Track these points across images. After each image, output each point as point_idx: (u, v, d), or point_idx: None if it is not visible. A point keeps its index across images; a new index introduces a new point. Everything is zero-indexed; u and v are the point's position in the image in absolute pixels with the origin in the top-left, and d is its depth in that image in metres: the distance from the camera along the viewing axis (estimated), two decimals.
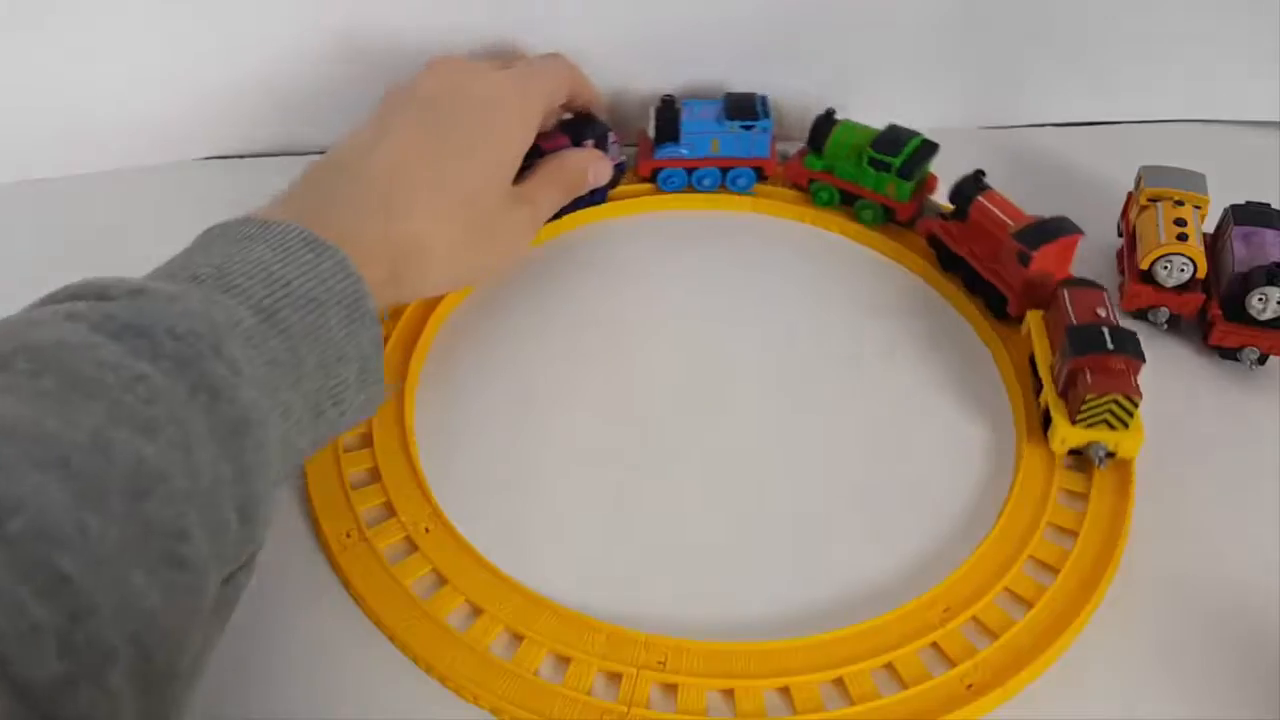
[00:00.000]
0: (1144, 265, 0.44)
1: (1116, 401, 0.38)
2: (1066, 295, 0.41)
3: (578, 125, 0.46)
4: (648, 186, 0.51)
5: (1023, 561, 0.36)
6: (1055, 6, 0.53)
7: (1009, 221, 0.44)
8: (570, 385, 0.43)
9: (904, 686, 0.33)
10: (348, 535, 0.36)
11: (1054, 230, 0.43)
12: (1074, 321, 0.40)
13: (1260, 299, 0.42)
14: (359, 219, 0.35)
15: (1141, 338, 0.39)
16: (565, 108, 0.46)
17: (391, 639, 0.34)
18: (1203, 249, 0.44)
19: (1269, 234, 0.43)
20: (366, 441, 0.39)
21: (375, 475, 0.38)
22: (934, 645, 0.34)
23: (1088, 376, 0.38)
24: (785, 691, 0.33)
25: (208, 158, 0.53)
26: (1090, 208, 0.50)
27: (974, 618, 0.35)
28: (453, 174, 0.38)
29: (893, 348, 0.45)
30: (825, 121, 0.49)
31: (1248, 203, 0.45)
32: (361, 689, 0.33)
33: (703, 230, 0.51)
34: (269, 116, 0.53)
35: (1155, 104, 0.57)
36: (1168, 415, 0.42)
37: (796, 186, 0.51)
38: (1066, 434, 0.39)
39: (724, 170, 0.50)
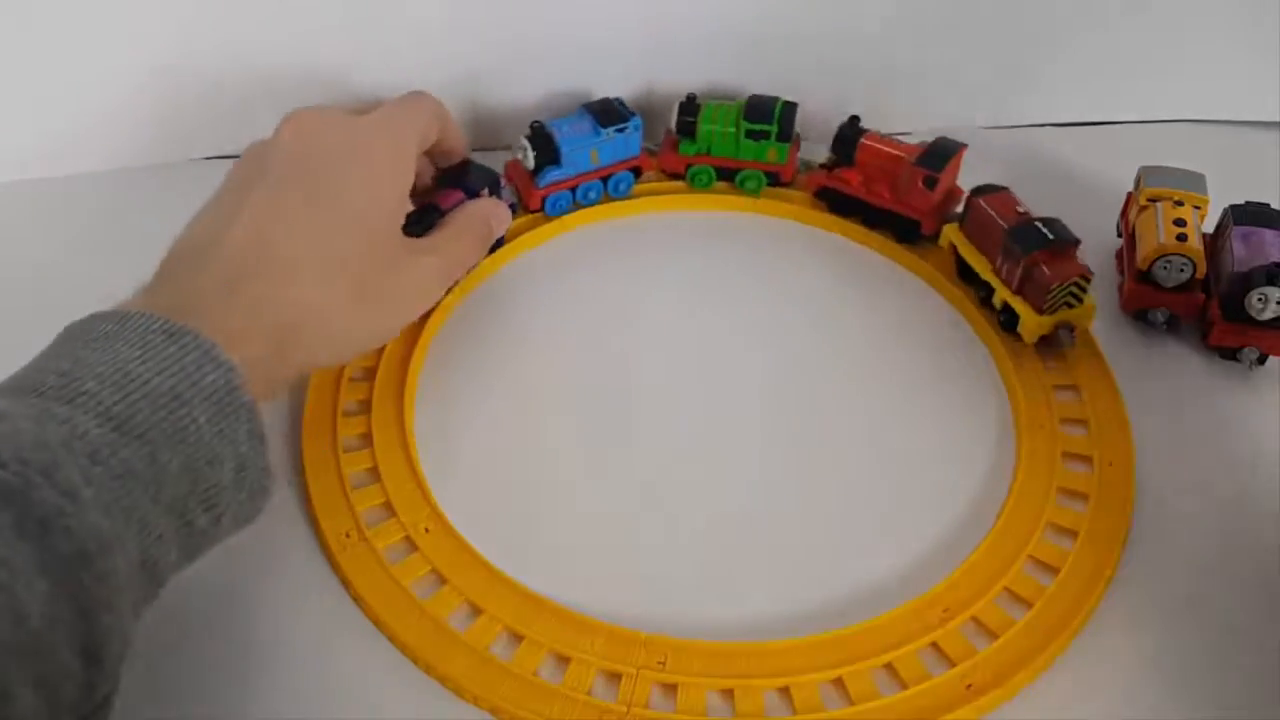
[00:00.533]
0: (1143, 266, 0.44)
1: (1075, 283, 0.42)
2: (984, 203, 0.45)
3: (462, 175, 0.44)
4: (647, 186, 0.51)
5: (1022, 561, 0.36)
6: (1056, 6, 0.53)
7: (902, 154, 0.47)
8: (570, 385, 0.43)
9: (904, 686, 0.33)
10: (347, 535, 0.36)
11: (947, 151, 0.47)
12: (1006, 224, 0.43)
13: (1260, 299, 0.42)
14: (226, 299, 0.32)
15: (1141, 338, 0.39)
16: (435, 150, 0.43)
17: (391, 639, 0.34)
18: (1202, 249, 0.44)
19: (1268, 234, 0.43)
20: (366, 441, 0.39)
21: (375, 475, 0.38)
22: (934, 645, 0.34)
23: (1045, 269, 0.42)
24: (785, 691, 0.33)
25: (208, 158, 0.53)
26: (1090, 208, 0.50)
27: (974, 618, 0.35)
28: (324, 233, 0.34)
29: (892, 347, 0.45)
30: (689, 107, 0.50)
31: (1247, 203, 0.45)
32: (361, 689, 0.33)
33: (702, 230, 0.51)
34: (269, 116, 0.53)
35: (1155, 104, 0.57)
36: (1167, 415, 0.42)
37: (674, 175, 0.52)
38: (1036, 324, 0.42)
39: (604, 179, 0.50)
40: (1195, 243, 0.44)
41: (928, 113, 0.55)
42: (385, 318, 0.37)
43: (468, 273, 0.43)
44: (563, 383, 0.43)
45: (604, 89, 0.51)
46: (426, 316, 0.44)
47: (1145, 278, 0.45)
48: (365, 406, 0.40)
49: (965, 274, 0.47)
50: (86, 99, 0.50)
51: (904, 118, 0.51)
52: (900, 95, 0.53)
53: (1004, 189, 0.45)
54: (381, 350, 0.42)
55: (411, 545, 0.36)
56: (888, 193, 0.48)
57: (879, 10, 0.52)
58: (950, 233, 0.47)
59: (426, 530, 0.37)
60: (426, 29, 0.50)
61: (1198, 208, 0.46)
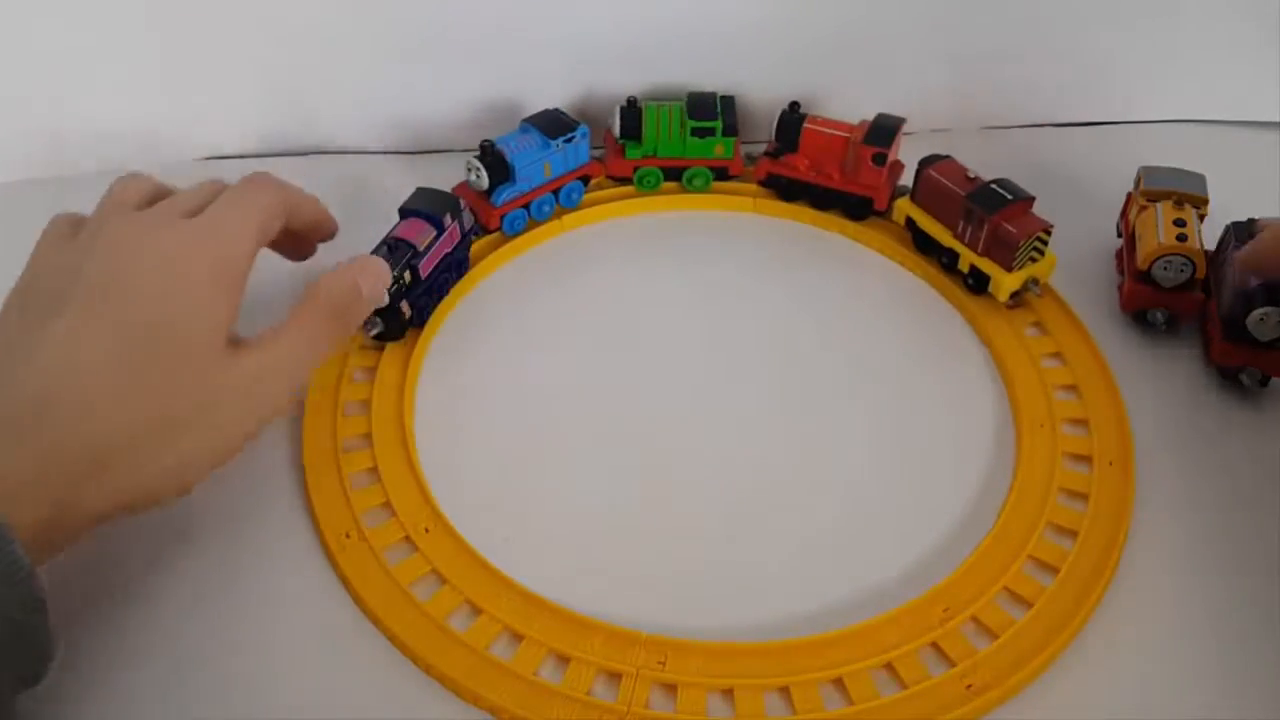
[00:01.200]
0: (1143, 266, 0.44)
1: (1038, 238, 0.44)
2: (935, 173, 0.46)
3: (421, 203, 0.44)
4: (595, 195, 0.51)
5: (1022, 561, 0.36)
6: (1055, 6, 0.53)
7: (847, 134, 0.49)
8: (570, 385, 0.43)
9: (903, 686, 0.33)
10: (347, 535, 0.36)
11: (890, 127, 0.48)
12: (962, 190, 0.45)
13: (1261, 318, 0.41)
14: (12, 449, 0.28)
15: (1141, 338, 0.39)
16: (293, 229, 0.39)
17: (391, 639, 0.34)
18: (1202, 249, 0.44)
19: None
20: (366, 441, 0.39)
21: (375, 475, 0.38)
22: (933, 645, 0.34)
23: (1010, 227, 0.43)
24: (785, 692, 0.33)
25: (208, 158, 0.54)
26: (1090, 208, 0.50)
27: (974, 617, 0.35)
28: (132, 364, 0.31)
29: (892, 347, 0.45)
30: (630, 112, 0.50)
31: (1250, 220, 0.44)
32: (361, 689, 0.33)
33: (701, 230, 0.51)
34: (269, 116, 0.53)
35: (1155, 104, 0.57)
36: (1167, 415, 0.42)
37: (621, 180, 0.52)
38: (1007, 282, 0.44)
39: (555, 191, 0.50)
40: (1195, 243, 0.44)
41: (929, 112, 0.55)
42: (214, 451, 0.32)
43: (327, 356, 0.36)
44: (562, 383, 0.43)
45: (538, 98, 0.52)
46: (430, 316, 0.44)
47: (1145, 278, 0.45)
48: (365, 407, 0.41)
49: (923, 244, 0.48)
50: (86, 100, 0.50)
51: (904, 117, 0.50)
52: (900, 95, 0.53)
53: (948, 158, 0.47)
54: (381, 350, 0.42)
55: (411, 545, 0.36)
56: (837, 173, 0.50)
57: (877, 8, 0.52)
58: (904, 206, 0.48)
59: (426, 530, 0.37)
60: (405, 36, 0.50)
61: (1197, 208, 0.46)
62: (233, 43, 0.50)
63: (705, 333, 0.45)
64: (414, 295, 0.43)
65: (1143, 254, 0.44)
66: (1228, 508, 0.39)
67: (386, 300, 0.40)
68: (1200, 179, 0.47)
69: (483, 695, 0.32)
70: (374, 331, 0.42)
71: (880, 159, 0.48)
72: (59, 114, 0.50)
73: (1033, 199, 0.44)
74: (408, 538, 0.36)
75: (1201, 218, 0.46)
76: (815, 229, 0.51)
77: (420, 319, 0.44)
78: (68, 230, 0.35)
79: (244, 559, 0.36)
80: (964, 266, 0.46)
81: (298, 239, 0.41)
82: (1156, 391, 0.43)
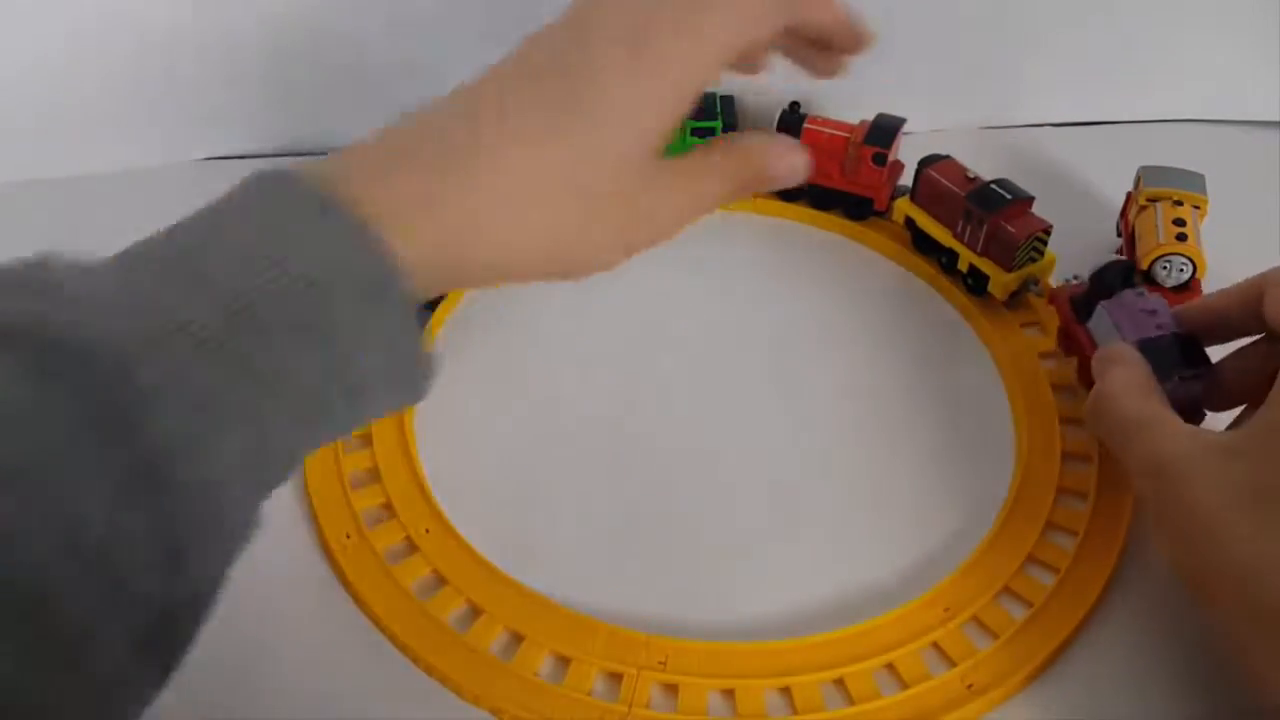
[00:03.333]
0: (1143, 265, 0.44)
1: (1038, 237, 0.44)
2: (935, 173, 0.46)
3: None
4: None
5: (1023, 560, 0.36)
6: (1055, 6, 0.53)
7: (847, 134, 0.49)
8: (570, 385, 0.43)
9: (904, 686, 0.33)
10: (347, 536, 0.36)
11: (891, 127, 0.48)
12: (961, 190, 0.45)
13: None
14: (414, 176, 0.28)
15: None
16: (795, 38, 0.34)
17: (391, 640, 0.34)
18: (1202, 249, 0.44)
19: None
20: (366, 442, 0.39)
21: (375, 475, 0.38)
22: (934, 645, 0.34)
23: (1009, 227, 0.43)
24: (786, 691, 0.33)
25: (208, 158, 0.53)
26: (1090, 208, 0.50)
27: (974, 617, 0.35)
28: (562, 132, 0.28)
29: (891, 347, 0.45)
30: None
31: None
32: (361, 690, 0.33)
33: (700, 229, 0.50)
34: (269, 116, 0.53)
35: (1155, 104, 0.57)
36: None
37: None
38: (1006, 281, 0.44)
39: None
40: (1195, 242, 0.44)
41: (928, 112, 0.55)
42: (609, 246, 0.31)
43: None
44: (562, 382, 0.43)
45: None
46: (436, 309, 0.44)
47: (1145, 277, 0.45)
48: None
49: (923, 244, 0.48)
50: (87, 99, 0.50)
51: (904, 116, 0.50)
52: (900, 95, 0.53)
53: (948, 157, 0.47)
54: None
55: (412, 546, 0.36)
56: (837, 173, 0.50)
57: (878, 9, 0.52)
58: (903, 206, 0.48)
59: (427, 531, 0.37)
60: (405, 36, 0.50)
61: (1197, 207, 0.46)
62: (234, 42, 0.50)
63: (705, 332, 0.45)
64: None
65: (1142, 253, 0.44)
66: None
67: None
68: (1200, 179, 0.47)
69: (483, 695, 0.32)
70: None
71: (880, 159, 0.48)
72: (59, 114, 0.50)
73: (1032, 199, 0.44)
74: (408, 538, 0.36)
75: (1201, 217, 0.46)
76: (814, 229, 0.51)
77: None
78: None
79: (244, 559, 0.36)
80: (963, 266, 0.46)
81: (815, 48, 0.35)
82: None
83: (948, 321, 0.46)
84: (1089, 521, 0.37)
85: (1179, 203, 0.46)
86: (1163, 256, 0.44)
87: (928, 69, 0.55)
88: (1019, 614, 0.35)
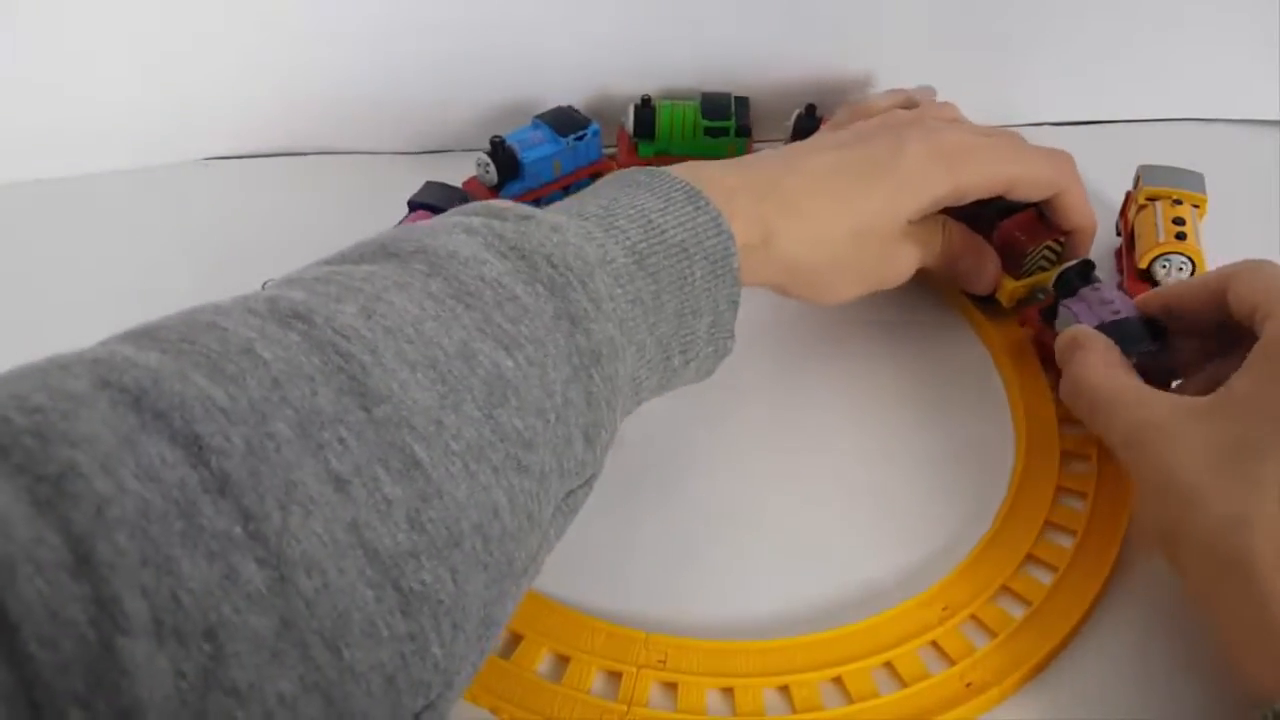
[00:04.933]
0: (1142, 264, 0.44)
1: (1049, 246, 0.43)
2: None
3: (427, 195, 0.45)
4: None
5: (1022, 560, 0.36)
6: (1054, 6, 0.53)
7: None
8: None
9: (903, 685, 0.33)
10: None
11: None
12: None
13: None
14: (751, 190, 0.36)
15: None
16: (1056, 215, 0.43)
17: None
18: (1201, 248, 0.44)
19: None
20: None
21: None
22: (933, 644, 0.34)
23: (1020, 235, 0.43)
24: (785, 690, 0.33)
25: (208, 158, 0.54)
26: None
27: (973, 616, 0.35)
28: (858, 197, 0.38)
29: (891, 346, 0.45)
30: (644, 110, 0.50)
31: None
32: None
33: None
34: (269, 116, 0.53)
35: (1155, 104, 0.57)
36: None
37: None
38: (1013, 288, 0.44)
39: (565, 189, 0.49)
40: (1194, 241, 0.44)
41: None
42: (861, 272, 0.39)
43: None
44: None
45: (554, 95, 0.52)
46: None
47: (1144, 276, 0.45)
48: None
49: None
50: (87, 99, 0.50)
51: None
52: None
53: None
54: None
55: None
56: None
57: (877, 8, 0.52)
58: None
59: None
60: (405, 35, 0.50)
61: (1196, 206, 0.46)
62: (236, 42, 0.50)
63: None
64: None
65: (1142, 252, 0.44)
66: None
67: None
68: (1199, 178, 0.47)
69: (482, 694, 0.32)
70: None
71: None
72: (59, 115, 0.50)
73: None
74: None
75: (1201, 217, 0.46)
76: None
77: None
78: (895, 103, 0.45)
79: None
80: None
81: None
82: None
83: (948, 322, 0.46)
84: (1088, 521, 0.37)
85: (1178, 202, 0.46)
86: (1162, 255, 0.44)
87: (928, 69, 0.55)
88: (1018, 613, 0.35)
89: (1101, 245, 0.49)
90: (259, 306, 0.26)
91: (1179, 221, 0.44)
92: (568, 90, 0.52)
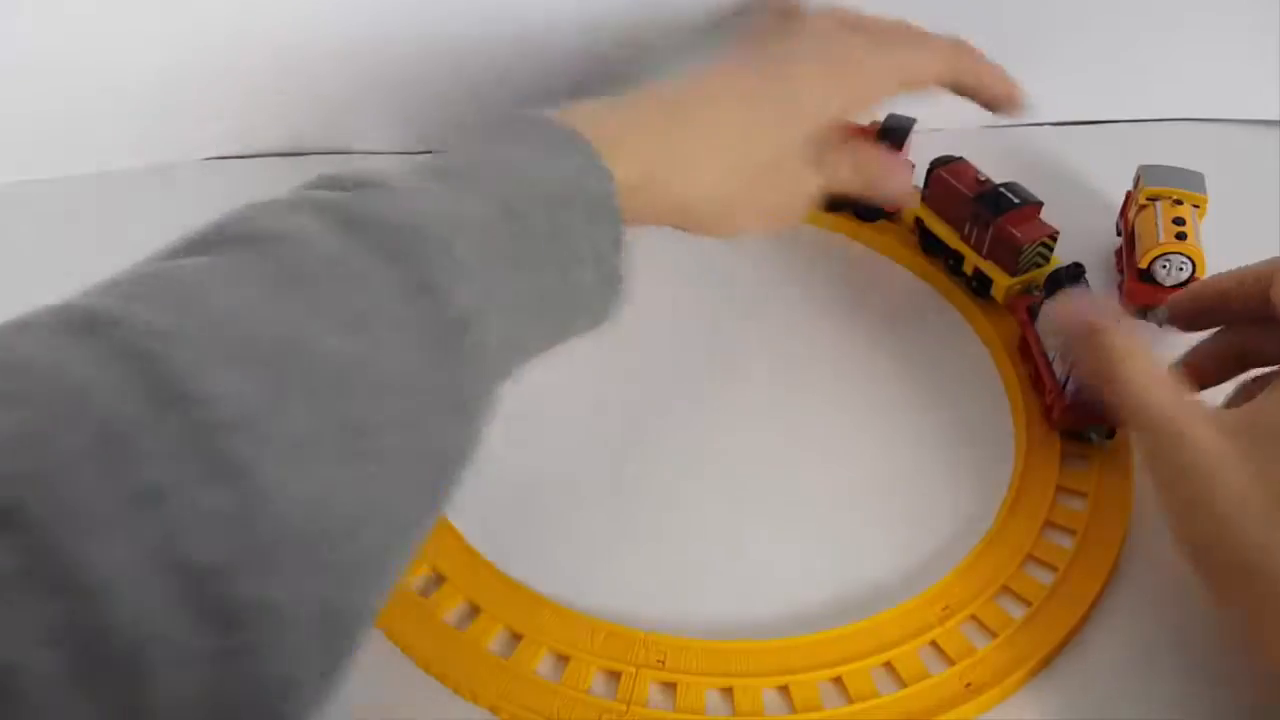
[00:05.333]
0: (1143, 264, 0.44)
1: (1043, 243, 0.44)
2: (946, 174, 0.46)
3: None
4: None
5: (1022, 560, 0.36)
6: (1055, 6, 0.53)
7: (861, 135, 0.47)
8: (569, 383, 0.43)
9: (903, 685, 0.33)
10: None
11: (903, 128, 0.47)
12: (970, 193, 0.45)
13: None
14: (636, 130, 0.34)
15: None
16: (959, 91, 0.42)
17: (390, 638, 0.34)
18: (1202, 248, 0.44)
19: None
20: None
21: None
22: (933, 644, 0.34)
23: (1015, 231, 0.43)
24: (784, 690, 0.33)
25: (208, 158, 0.54)
26: (1089, 207, 0.50)
27: (973, 616, 0.35)
28: (748, 131, 0.36)
29: (892, 346, 0.45)
30: None
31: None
32: (359, 687, 0.33)
33: (670, 230, 0.50)
34: (269, 116, 0.53)
35: (1155, 104, 0.57)
36: None
37: None
38: (1008, 285, 0.44)
39: None
40: (1195, 241, 0.44)
41: (928, 112, 0.55)
42: (760, 206, 0.38)
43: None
44: (562, 381, 0.43)
45: (549, 97, 0.51)
46: None
47: (1145, 276, 0.45)
48: None
49: (929, 246, 0.48)
50: (87, 99, 0.50)
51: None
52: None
53: (960, 159, 0.47)
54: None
55: None
56: None
57: (878, 9, 0.52)
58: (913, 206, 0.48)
59: None
60: (405, 36, 0.50)
61: (1197, 206, 0.46)
62: (236, 42, 0.50)
63: (706, 331, 0.45)
64: None
65: (1142, 252, 0.44)
66: None
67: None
68: (1199, 177, 0.47)
69: (482, 693, 0.32)
70: None
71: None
72: (59, 115, 0.50)
73: (1040, 204, 0.44)
74: None
75: (1201, 216, 0.46)
76: (817, 229, 0.51)
77: None
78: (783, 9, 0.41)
79: None
80: (968, 269, 0.46)
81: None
82: None
83: (949, 322, 0.46)
84: (1088, 521, 0.37)
85: (1179, 201, 0.46)
86: (1162, 255, 0.44)
87: None
88: (1018, 613, 0.35)
89: (1102, 245, 0.49)
90: (49, 319, 0.24)
91: (1179, 221, 0.44)
92: (567, 90, 0.52)
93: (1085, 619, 0.35)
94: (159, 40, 0.49)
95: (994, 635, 0.34)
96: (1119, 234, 0.49)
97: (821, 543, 0.38)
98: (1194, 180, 0.47)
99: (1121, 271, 0.47)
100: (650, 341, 0.45)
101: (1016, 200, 0.44)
